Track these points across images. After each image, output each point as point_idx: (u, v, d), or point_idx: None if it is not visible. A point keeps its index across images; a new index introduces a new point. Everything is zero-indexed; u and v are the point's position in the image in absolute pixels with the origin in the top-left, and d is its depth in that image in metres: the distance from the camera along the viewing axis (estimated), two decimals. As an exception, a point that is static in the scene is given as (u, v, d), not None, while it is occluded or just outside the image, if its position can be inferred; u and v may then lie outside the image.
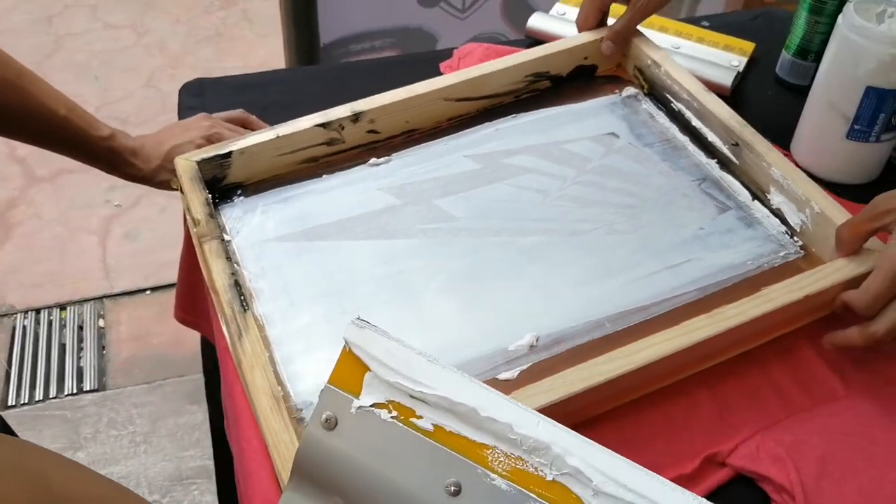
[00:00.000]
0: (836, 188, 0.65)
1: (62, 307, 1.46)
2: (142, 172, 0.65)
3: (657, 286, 0.54)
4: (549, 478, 0.34)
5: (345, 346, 0.37)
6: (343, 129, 0.64)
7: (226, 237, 0.58)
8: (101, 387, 1.32)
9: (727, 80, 0.76)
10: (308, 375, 0.50)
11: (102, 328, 1.42)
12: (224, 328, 0.52)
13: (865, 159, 0.65)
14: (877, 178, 0.67)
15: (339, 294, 0.55)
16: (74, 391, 1.30)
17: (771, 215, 0.59)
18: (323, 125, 0.63)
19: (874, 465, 0.47)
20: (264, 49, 2.13)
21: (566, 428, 0.35)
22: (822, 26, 0.72)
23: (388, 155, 0.65)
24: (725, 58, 0.79)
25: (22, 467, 0.33)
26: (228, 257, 0.55)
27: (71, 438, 1.23)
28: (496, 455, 0.35)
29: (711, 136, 0.64)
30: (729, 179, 0.62)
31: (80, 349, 1.38)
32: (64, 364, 1.35)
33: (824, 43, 0.68)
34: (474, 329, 0.52)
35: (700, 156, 0.64)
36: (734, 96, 0.77)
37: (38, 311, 1.44)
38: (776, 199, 0.59)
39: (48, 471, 0.34)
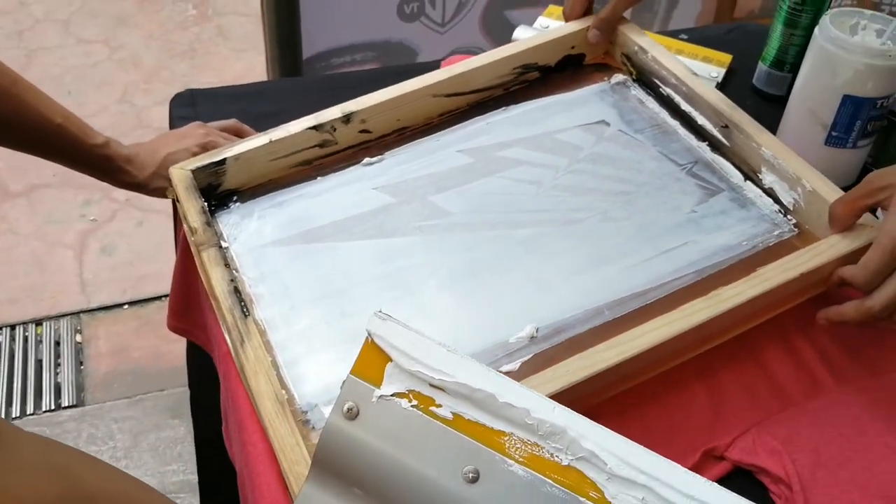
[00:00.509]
0: (814, 192, 0.68)
1: (38, 322, 1.43)
2: (136, 180, 0.65)
3: (654, 271, 0.55)
4: (565, 462, 0.35)
5: (367, 338, 0.38)
6: (335, 130, 0.64)
7: (223, 244, 0.58)
8: (79, 402, 1.30)
9: (708, 89, 0.78)
10: (311, 378, 0.51)
11: (80, 343, 1.40)
12: (226, 335, 0.52)
13: (843, 164, 0.68)
14: (854, 182, 0.70)
15: (338, 296, 0.55)
16: (52, 407, 1.28)
17: (763, 195, 0.60)
18: (315, 127, 0.64)
19: (866, 456, 0.49)
20: (240, 63, 2.14)
21: (580, 415, 0.36)
22: (797, 38, 0.75)
23: (381, 154, 0.66)
24: (705, 69, 0.82)
25: (51, 463, 0.33)
26: (227, 264, 0.55)
27: (50, 455, 1.21)
28: (513, 442, 0.36)
29: (701, 119, 0.64)
30: (721, 161, 0.63)
31: (58, 365, 1.36)
32: (41, 380, 1.33)
33: (799, 54, 0.71)
34: (474, 323, 0.53)
35: (691, 139, 0.65)
36: (714, 106, 0.80)
37: (13, 326, 1.42)
38: (768, 178, 0.60)
39: (76, 467, 0.34)
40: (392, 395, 0.37)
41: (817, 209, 0.56)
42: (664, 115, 0.67)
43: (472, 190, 0.62)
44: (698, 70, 0.82)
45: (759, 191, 0.61)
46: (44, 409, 1.28)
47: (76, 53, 2.13)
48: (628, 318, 0.52)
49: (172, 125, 0.76)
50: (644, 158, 0.64)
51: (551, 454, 0.35)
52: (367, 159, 0.65)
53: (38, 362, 1.36)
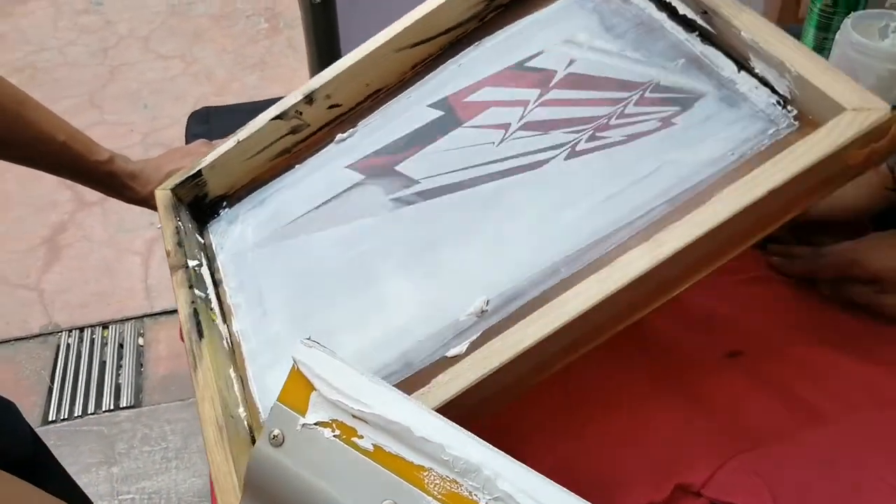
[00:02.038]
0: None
1: (105, 326, 1.51)
2: (139, 195, 0.68)
3: (619, 209, 0.46)
4: (483, 502, 0.34)
5: (293, 365, 0.38)
6: (301, 114, 0.61)
7: (191, 263, 0.57)
8: (137, 403, 1.36)
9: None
10: (274, 389, 0.48)
11: (142, 346, 1.47)
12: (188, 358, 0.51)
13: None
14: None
15: (307, 293, 0.53)
16: (111, 407, 1.35)
17: (759, 86, 0.49)
18: (279, 117, 0.61)
19: (858, 496, 0.45)
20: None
21: (499, 451, 0.34)
22: (829, 42, 0.70)
23: (355, 125, 0.61)
24: (734, 75, 0.78)
25: None
26: (191, 286, 0.55)
27: (106, 453, 1.27)
28: (432, 477, 0.35)
29: (682, 8, 0.54)
30: (712, 53, 0.52)
31: (119, 366, 1.43)
32: (103, 381, 1.40)
33: (831, 58, 0.66)
34: (429, 303, 0.48)
35: (679, 33, 0.54)
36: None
37: (81, 329, 1.50)
38: (758, 66, 0.49)
39: None
40: (315, 424, 0.37)
41: (811, 95, 0.44)
42: (651, 9, 0.56)
43: (438, 149, 0.55)
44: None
45: (753, 81, 0.49)
46: (104, 408, 1.35)
47: (154, 68, 2.24)
48: (584, 274, 0.43)
49: (188, 141, 0.78)
50: (621, 68, 0.54)
51: (470, 492, 0.34)
52: (339, 136, 0.61)
53: (102, 364, 1.44)
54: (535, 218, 0.49)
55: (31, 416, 1.30)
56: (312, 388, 0.37)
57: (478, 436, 0.35)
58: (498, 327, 0.44)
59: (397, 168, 0.56)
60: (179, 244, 0.58)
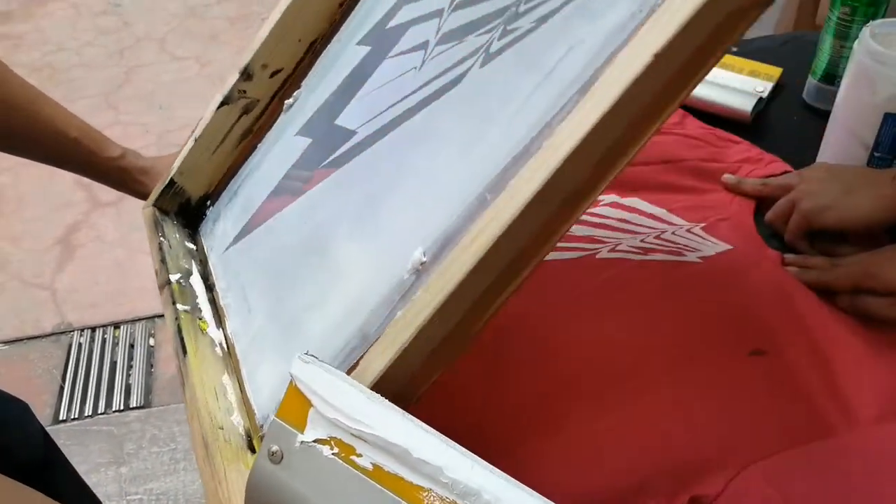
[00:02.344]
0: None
1: (116, 326, 1.52)
2: (150, 190, 0.67)
3: (535, 112, 0.39)
4: (484, 524, 0.33)
5: (291, 381, 0.37)
6: (245, 91, 0.58)
7: (174, 278, 0.55)
8: (146, 404, 1.36)
9: (747, 106, 0.73)
10: (265, 387, 0.48)
11: (152, 347, 1.48)
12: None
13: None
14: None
15: (278, 280, 0.51)
16: (121, 407, 1.35)
17: None
18: (225, 102, 0.58)
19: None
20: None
21: (500, 473, 0.34)
22: (847, 50, 0.69)
23: (299, 87, 0.58)
24: (749, 83, 0.77)
25: None
26: (174, 301, 0.53)
27: (115, 453, 1.27)
28: (432, 498, 0.34)
29: None
30: None
31: (130, 367, 1.44)
32: (113, 381, 1.41)
33: (848, 68, 0.65)
34: (376, 266, 0.44)
35: None
36: (757, 122, 0.74)
37: (93, 329, 1.51)
38: None
39: None
40: (314, 442, 0.36)
41: None
42: None
43: (367, 91, 0.52)
44: (742, 85, 0.77)
45: None
46: (114, 408, 1.35)
47: (170, 70, 2.25)
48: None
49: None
50: None
51: (470, 514, 0.33)
52: (286, 103, 0.58)
53: (113, 363, 1.44)
54: (461, 144, 0.43)
55: (42, 414, 1.31)
56: (310, 404, 0.36)
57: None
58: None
59: (336, 122, 0.53)
60: (163, 261, 0.56)
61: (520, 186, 0.35)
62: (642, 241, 0.59)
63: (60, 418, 1.33)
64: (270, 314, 0.50)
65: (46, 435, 0.78)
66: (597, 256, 0.57)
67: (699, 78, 0.34)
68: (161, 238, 0.58)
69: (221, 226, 0.58)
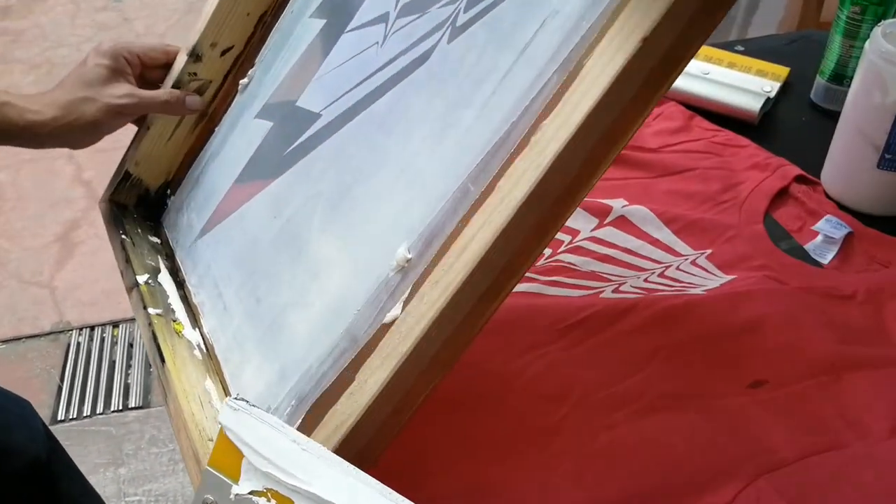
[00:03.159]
0: (868, 219, 0.61)
1: (115, 325, 1.51)
2: (42, 122, 0.52)
3: (513, 94, 0.36)
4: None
5: (220, 429, 0.34)
6: (196, 74, 0.55)
7: (141, 279, 0.51)
8: (145, 404, 1.35)
9: (755, 106, 0.72)
10: (249, 389, 0.45)
11: (151, 346, 1.47)
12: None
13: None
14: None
15: (251, 276, 0.48)
16: (120, 407, 1.34)
17: None
18: (176, 86, 0.56)
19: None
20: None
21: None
22: (857, 50, 0.68)
23: (253, 64, 0.55)
24: (757, 83, 0.76)
25: None
26: (145, 305, 0.50)
27: (114, 454, 1.27)
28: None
29: None
30: None
31: (129, 366, 1.43)
32: (112, 380, 1.40)
33: (857, 68, 0.64)
34: (358, 263, 0.42)
35: None
36: (764, 122, 0.73)
37: (92, 328, 1.50)
38: None
39: None
40: (249, 494, 0.33)
41: None
42: None
43: (329, 69, 0.48)
44: (749, 85, 0.76)
45: None
46: (112, 408, 1.34)
47: (170, 66, 2.24)
48: (493, 187, 0.35)
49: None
50: None
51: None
52: (241, 82, 0.55)
53: (112, 363, 1.43)
54: (435, 130, 0.40)
55: (41, 414, 1.30)
56: (242, 454, 0.33)
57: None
58: (425, 277, 0.36)
59: (298, 104, 0.49)
60: (127, 261, 0.53)
61: (508, 188, 0.33)
62: (646, 280, 0.57)
63: (59, 418, 1.32)
64: (248, 313, 0.47)
65: (50, 433, 0.77)
66: (600, 296, 0.55)
67: (686, 62, 0.33)
68: (122, 235, 0.55)
69: (185, 216, 0.55)
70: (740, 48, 0.83)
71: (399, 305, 0.37)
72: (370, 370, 0.36)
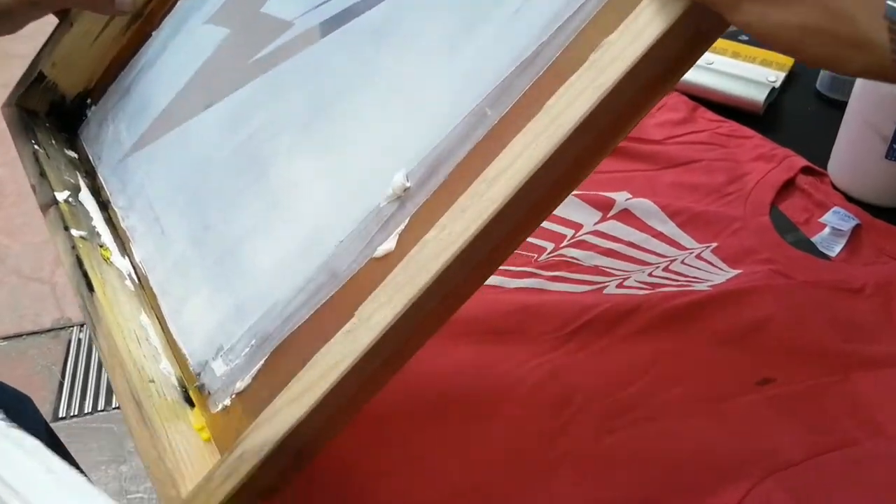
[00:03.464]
0: (876, 211, 0.60)
1: (116, 321, 1.50)
2: None
3: (542, 14, 0.32)
4: None
5: None
6: None
7: (60, 197, 0.46)
8: (147, 400, 1.35)
9: (760, 96, 0.71)
10: (196, 327, 0.41)
11: (153, 342, 1.46)
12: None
13: None
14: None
15: (198, 199, 0.43)
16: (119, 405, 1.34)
17: None
18: None
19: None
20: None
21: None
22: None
23: None
24: (761, 73, 0.75)
25: None
26: (66, 226, 0.44)
27: (115, 451, 1.26)
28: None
29: None
30: None
31: (130, 363, 1.42)
32: (114, 377, 1.39)
33: (864, 56, 0.63)
34: (340, 190, 0.37)
35: None
36: (770, 113, 0.72)
37: (92, 324, 1.50)
38: None
39: None
40: None
41: None
42: None
43: None
44: (753, 75, 0.74)
45: None
46: (114, 405, 1.34)
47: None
48: (517, 113, 0.32)
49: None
50: None
51: None
52: None
53: (113, 360, 1.43)
54: (444, 44, 0.35)
55: (42, 411, 1.30)
56: None
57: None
58: (430, 207, 0.33)
59: (263, 10, 0.44)
60: (42, 174, 0.46)
61: (560, 108, 0.29)
62: (650, 274, 0.56)
63: (60, 415, 1.32)
64: (195, 239, 0.42)
65: (51, 430, 0.76)
66: (604, 291, 0.54)
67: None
68: (35, 145, 0.48)
69: (111, 129, 0.49)
70: (744, 38, 0.81)
71: (394, 238, 0.33)
72: (375, 305, 0.31)
